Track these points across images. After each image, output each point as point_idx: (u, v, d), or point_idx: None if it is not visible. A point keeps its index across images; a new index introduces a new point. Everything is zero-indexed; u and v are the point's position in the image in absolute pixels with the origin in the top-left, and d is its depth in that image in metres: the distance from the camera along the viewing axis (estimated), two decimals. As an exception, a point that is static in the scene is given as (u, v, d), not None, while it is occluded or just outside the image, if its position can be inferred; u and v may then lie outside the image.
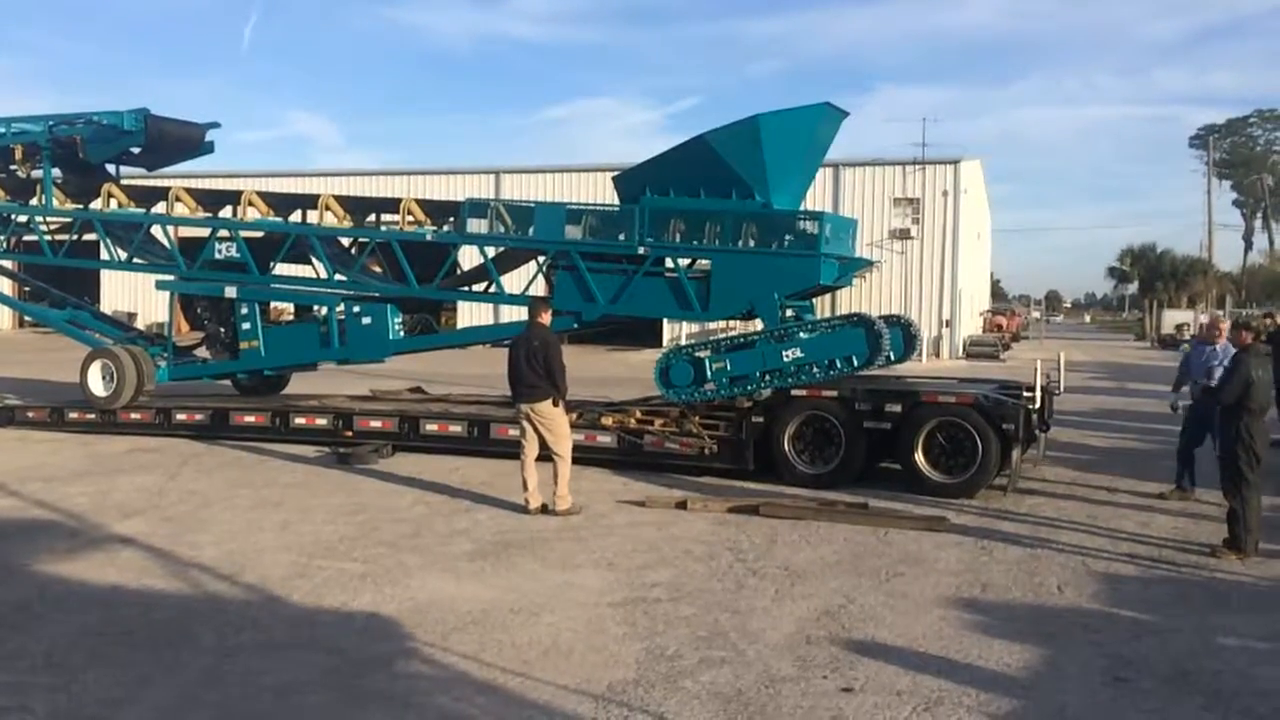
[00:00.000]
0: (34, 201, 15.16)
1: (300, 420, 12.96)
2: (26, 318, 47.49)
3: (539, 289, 12.91)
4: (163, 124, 14.55)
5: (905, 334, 11.57)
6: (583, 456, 11.56)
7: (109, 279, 37.38)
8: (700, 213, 11.78)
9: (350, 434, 12.57)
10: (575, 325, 12.74)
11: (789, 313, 11.50)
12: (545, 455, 9.57)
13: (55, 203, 14.80)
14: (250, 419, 13.20)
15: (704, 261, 11.91)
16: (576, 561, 7.76)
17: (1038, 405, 10.70)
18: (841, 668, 5.61)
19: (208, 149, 15.57)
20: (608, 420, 11.84)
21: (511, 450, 11.85)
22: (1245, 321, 9.67)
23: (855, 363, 10.76)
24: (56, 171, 15.00)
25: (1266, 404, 8.18)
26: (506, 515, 9.28)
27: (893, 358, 11.30)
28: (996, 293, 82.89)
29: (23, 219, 15.35)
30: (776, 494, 10.17)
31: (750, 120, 11.36)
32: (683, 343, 12.08)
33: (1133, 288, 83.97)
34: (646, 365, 29.03)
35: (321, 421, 12.88)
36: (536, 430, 9.48)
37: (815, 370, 10.82)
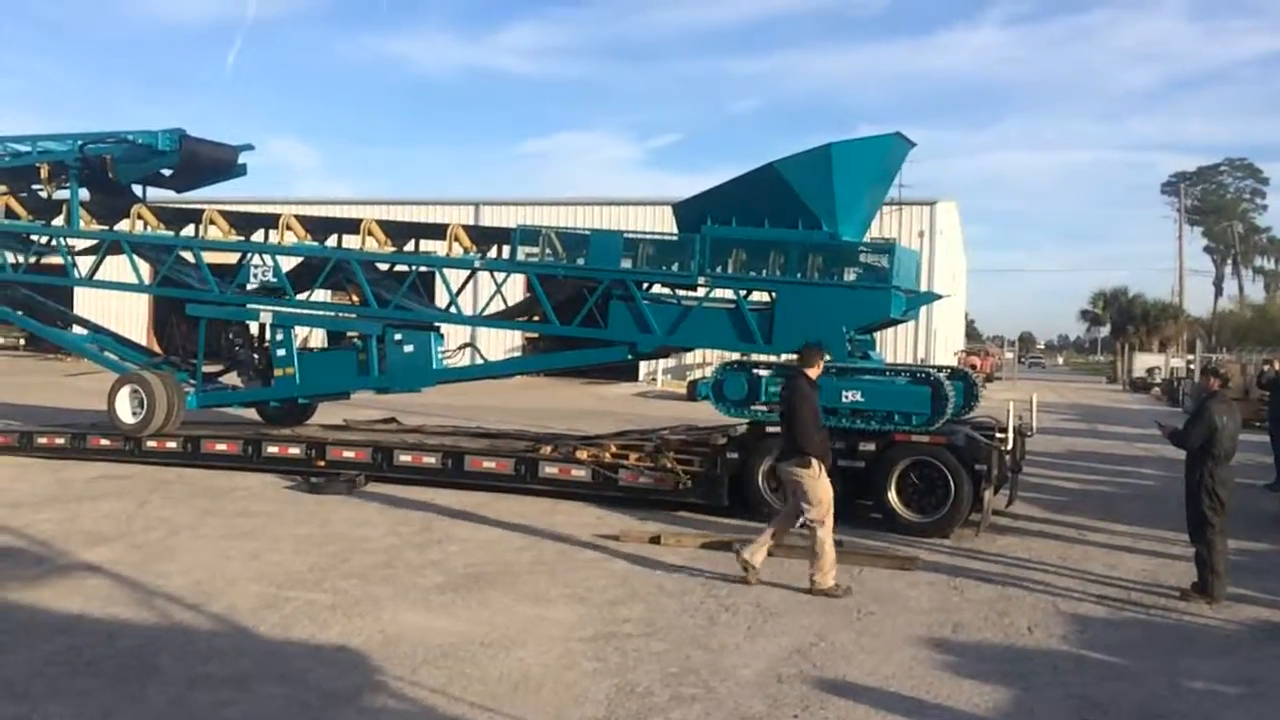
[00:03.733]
0: (58, 221, 14.80)
1: (273, 449, 12.85)
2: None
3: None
4: (196, 145, 14.19)
5: (966, 387, 11.24)
6: (557, 490, 11.59)
7: (80, 296, 37.06)
8: (764, 243, 11.52)
9: (323, 464, 12.47)
10: (629, 357, 12.57)
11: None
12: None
13: (81, 223, 14.45)
14: (222, 447, 13.07)
15: (761, 294, 11.72)
16: (548, 595, 7.72)
17: (1010, 446, 10.77)
18: (812, 706, 5.60)
19: (240, 171, 15.18)
20: (583, 454, 11.82)
21: (485, 483, 11.87)
22: (1214, 368, 9.78)
23: (913, 421, 10.41)
24: (83, 192, 14.65)
25: (1231, 450, 8.25)
26: (478, 547, 9.23)
27: (950, 412, 10.72)
28: (970, 333, 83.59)
29: (45, 240, 14.93)
30: (751, 530, 10.15)
31: (822, 149, 11.16)
32: (737, 357, 11.78)
33: (1105, 330, 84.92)
34: (621, 399, 29.13)
35: (294, 451, 12.77)
36: (789, 491, 8.53)
37: (870, 419, 10.50)
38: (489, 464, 12.00)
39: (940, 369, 11.36)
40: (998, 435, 10.86)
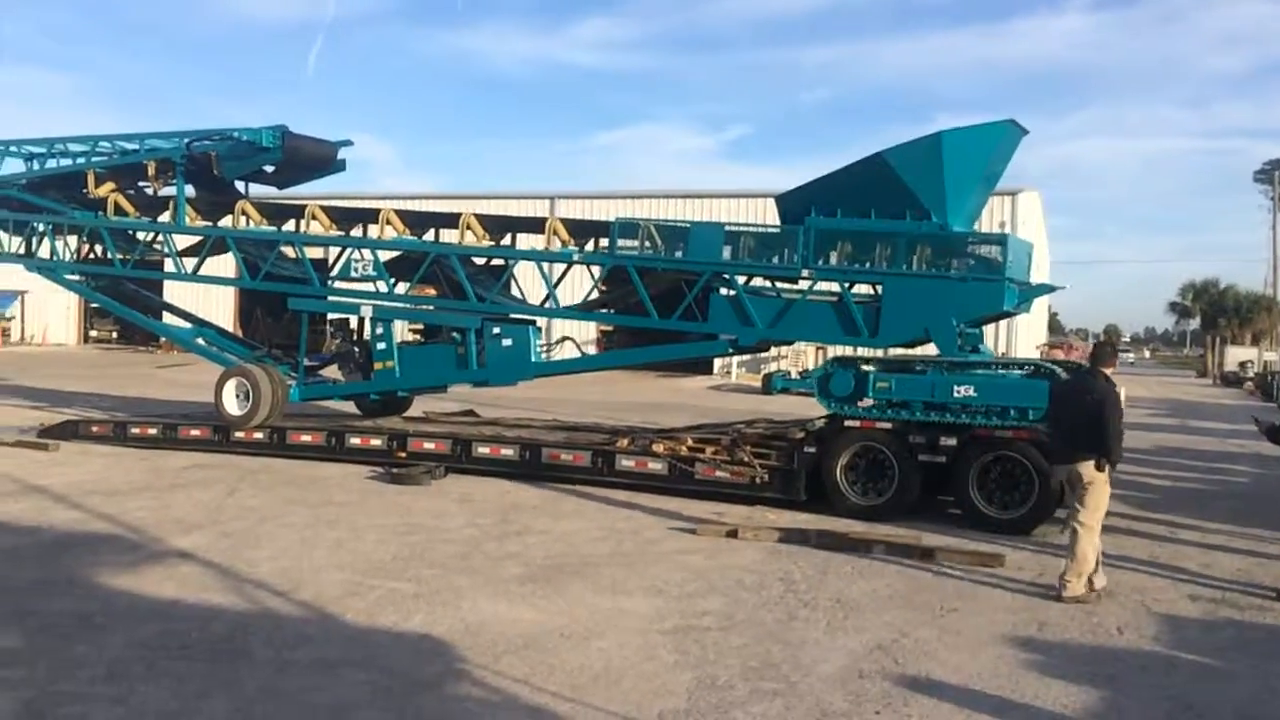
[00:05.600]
0: (164, 218, 15.28)
1: (355, 440, 13.09)
2: (91, 333, 48.92)
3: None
4: (298, 141, 14.53)
5: None
6: (634, 483, 11.62)
7: (170, 288, 38.19)
8: (871, 234, 11.31)
9: (403, 455, 12.67)
10: (730, 350, 12.50)
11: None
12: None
13: (187, 220, 14.89)
14: (306, 438, 13.36)
15: (863, 286, 11.58)
16: (627, 587, 7.75)
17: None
18: (895, 703, 5.54)
19: (339, 167, 15.51)
20: (659, 447, 11.82)
21: (562, 476, 11.94)
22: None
23: (1030, 416, 10.06)
24: (188, 188, 15.06)
25: None
26: (556, 539, 9.30)
27: None
28: (1053, 326, 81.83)
29: (151, 236, 15.44)
30: (828, 525, 10.08)
31: (933, 138, 11.01)
32: (844, 353, 11.78)
33: (1194, 323, 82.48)
34: (695, 391, 29.10)
35: (376, 442, 12.99)
36: (1074, 494, 8.08)
37: (986, 415, 10.23)
38: (566, 456, 12.07)
39: (1056, 363, 11.05)
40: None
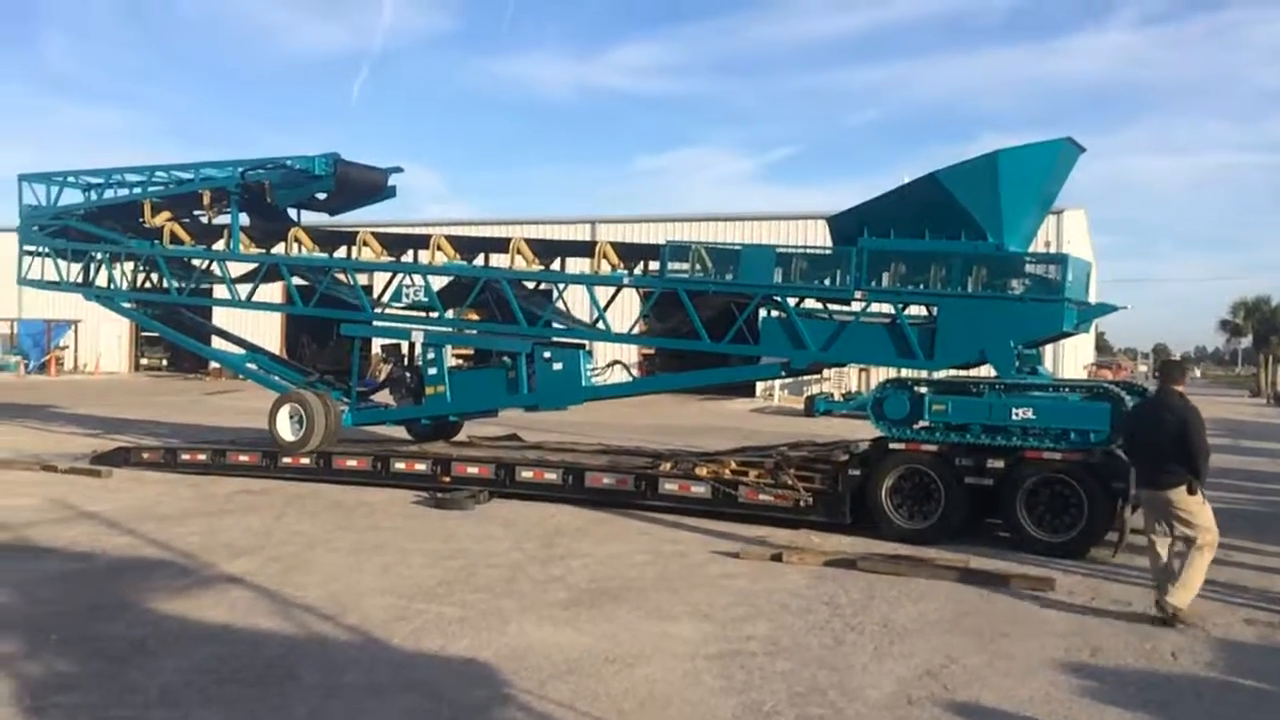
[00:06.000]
0: (218, 246, 15.62)
1: (400, 465, 13.19)
2: (141, 361, 49.79)
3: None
4: (350, 169, 14.76)
5: None
6: (677, 506, 11.60)
7: (219, 315, 38.81)
8: (926, 255, 11.19)
9: (448, 479, 12.75)
10: (782, 373, 12.50)
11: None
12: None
13: (241, 247, 15.17)
14: (352, 463, 13.49)
15: (916, 308, 11.52)
16: (671, 612, 7.73)
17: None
18: (944, 730, 5.47)
19: (390, 194, 15.72)
20: (702, 470, 11.80)
21: (605, 499, 11.95)
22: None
23: (1092, 440, 9.97)
24: (242, 216, 15.35)
25: None
26: (600, 563, 9.30)
27: None
28: (1101, 345, 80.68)
29: (206, 263, 15.78)
30: (874, 548, 9.99)
31: (989, 157, 10.92)
32: (902, 374, 11.75)
33: (1246, 341, 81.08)
34: (739, 415, 29.01)
35: (420, 467, 13.09)
36: (1168, 520, 7.89)
37: (1045, 438, 10.12)
38: (609, 480, 12.09)
39: (1115, 383, 10.87)
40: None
